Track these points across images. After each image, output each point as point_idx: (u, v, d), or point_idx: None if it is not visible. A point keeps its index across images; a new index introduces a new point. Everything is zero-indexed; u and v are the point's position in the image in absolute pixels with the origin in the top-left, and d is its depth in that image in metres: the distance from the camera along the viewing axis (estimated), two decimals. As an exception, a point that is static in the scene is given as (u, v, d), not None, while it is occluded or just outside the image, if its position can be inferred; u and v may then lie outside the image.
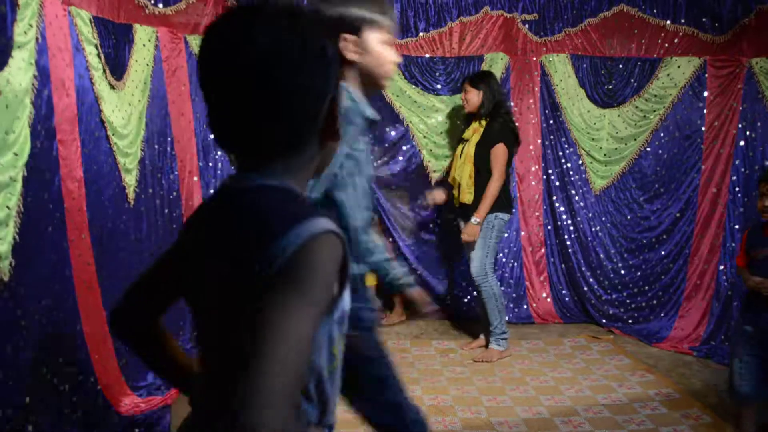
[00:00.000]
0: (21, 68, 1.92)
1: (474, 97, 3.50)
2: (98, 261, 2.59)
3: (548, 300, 4.22)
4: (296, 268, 0.72)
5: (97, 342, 2.52)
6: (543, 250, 4.23)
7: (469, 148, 3.50)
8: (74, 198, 2.39)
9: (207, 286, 0.84)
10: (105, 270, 2.67)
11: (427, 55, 4.05)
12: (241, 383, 0.64)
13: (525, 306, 4.19)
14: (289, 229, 0.74)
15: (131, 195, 2.94)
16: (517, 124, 4.07)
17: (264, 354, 0.65)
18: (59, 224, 2.29)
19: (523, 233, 4.19)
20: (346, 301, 0.84)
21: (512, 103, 4.05)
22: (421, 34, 4.00)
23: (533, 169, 4.16)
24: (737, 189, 3.78)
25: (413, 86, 4.07)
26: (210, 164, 3.87)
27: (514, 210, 4.16)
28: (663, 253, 3.98)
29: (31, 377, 2.01)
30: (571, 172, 4.14)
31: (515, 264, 4.19)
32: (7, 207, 1.80)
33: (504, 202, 3.48)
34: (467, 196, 3.49)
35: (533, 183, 4.17)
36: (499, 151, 3.42)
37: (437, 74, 4.07)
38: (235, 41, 0.79)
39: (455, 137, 4.10)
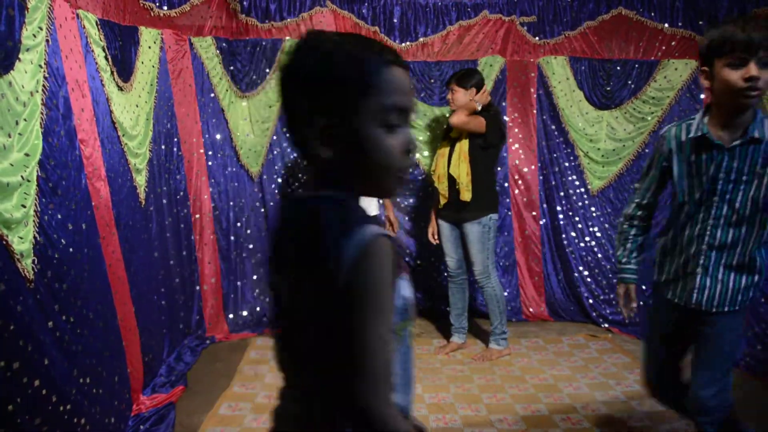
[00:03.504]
0: (28, 70, 1.94)
1: (462, 97, 3.38)
2: (125, 257, 2.68)
3: (547, 299, 4.27)
4: (359, 279, 0.80)
5: (126, 332, 2.65)
6: (541, 250, 4.28)
7: (463, 146, 3.40)
8: (101, 196, 2.46)
9: (280, 293, 0.94)
10: (132, 266, 2.77)
11: (425, 60, 4.08)
12: (345, 390, 0.81)
13: (526, 304, 4.24)
14: (343, 242, 0.81)
15: (142, 195, 2.99)
16: (510, 123, 4.12)
17: (358, 364, 0.79)
18: (91, 222, 2.35)
19: (520, 233, 4.24)
20: (404, 288, 0.90)
21: (506, 103, 4.10)
22: (420, 38, 4.03)
23: (531, 168, 4.21)
24: (733, 190, 3.83)
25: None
26: (218, 163, 3.90)
27: (508, 211, 4.21)
28: (659, 253, 4.02)
29: (66, 376, 2.06)
30: (568, 173, 4.19)
31: (514, 263, 4.24)
32: (23, 206, 1.83)
33: (494, 201, 3.49)
34: (467, 194, 3.42)
35: (531, 183, 4.22)
36: (480, 120, 3.33)
37: (432, 79, 4.09)
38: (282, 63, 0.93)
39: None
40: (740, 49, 1.69)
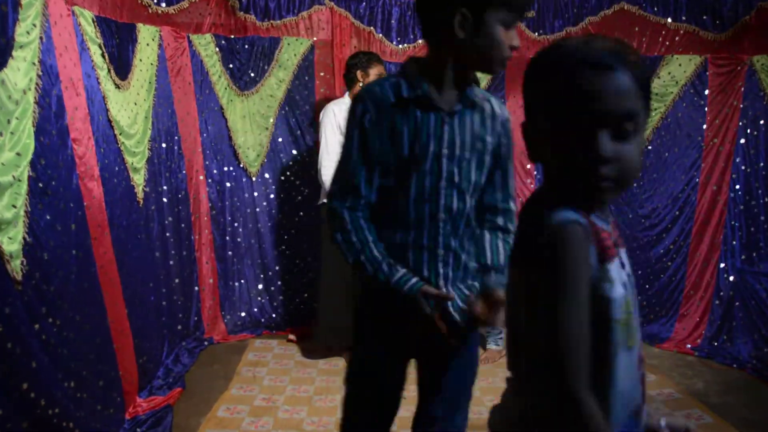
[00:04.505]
0: (21, 68, 1.91)
1: None
2: (118, 258, 2.64)
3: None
4: (550, 258, 0.83)
5: (118, 334, 2.62)
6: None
7: None
8: (94, 196, 2.42)
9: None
10: (125, 267, 2.72)
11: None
12: (544, 375, 0.84)
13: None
14: (540, 230, 0.86)
15: (140, 194, 2.96)
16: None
17: (554, 334, 0.82)
18: (81, 222, 2.31)
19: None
20: (614, 272, 0.90)
21: (505, 100, 4.05)
22: (420, 41, 3.99)
23: (528, 167, 4.16)
24: (737, 187, 3.79)
25: None
26: (216, 162, 3.87)
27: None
28: (662, 251, 3.98)
29: (54, 378, 2.03)
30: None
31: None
32: (14, 206, 1.80)
33: None
34: None
35: (529, 182, 4.18)
36: None
37: None
38: None
39: None
40: (518, 6, 1.38)
